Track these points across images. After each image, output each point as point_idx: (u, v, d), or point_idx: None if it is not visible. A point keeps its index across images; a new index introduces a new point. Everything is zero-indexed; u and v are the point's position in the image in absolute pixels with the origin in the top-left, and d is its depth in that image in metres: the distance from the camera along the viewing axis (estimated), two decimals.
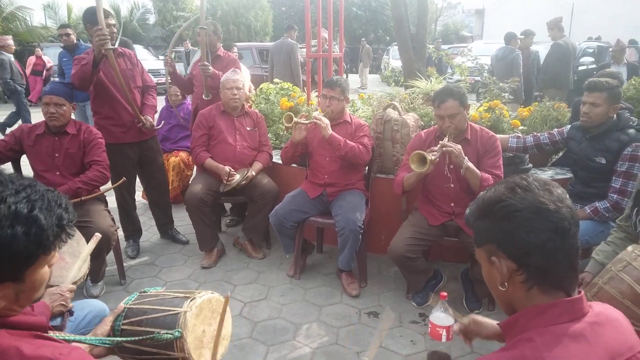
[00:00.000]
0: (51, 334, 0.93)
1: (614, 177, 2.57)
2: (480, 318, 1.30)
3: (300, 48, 7.61)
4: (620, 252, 1.83)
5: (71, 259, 1.87)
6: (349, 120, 3.20)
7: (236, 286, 3.09)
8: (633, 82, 3.98)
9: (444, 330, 1.83)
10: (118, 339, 1.34)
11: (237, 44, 12.59)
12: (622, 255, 1.76)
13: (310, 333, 2.59)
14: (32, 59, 11.24)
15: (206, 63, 3.69)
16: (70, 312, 1.62)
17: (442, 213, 2.74)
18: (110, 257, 3.02)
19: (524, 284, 0.88)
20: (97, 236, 1.69)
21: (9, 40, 8.34)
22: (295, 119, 3.01)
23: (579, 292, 0.89)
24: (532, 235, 0.85)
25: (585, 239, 2.58)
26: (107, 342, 1.32)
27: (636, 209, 2.06)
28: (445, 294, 1.93)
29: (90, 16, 3.08)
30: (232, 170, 3.27)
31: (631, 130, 2.61)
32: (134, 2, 18.61)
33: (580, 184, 2.80)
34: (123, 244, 3.51)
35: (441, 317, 1.86)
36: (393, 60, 18.10)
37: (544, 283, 0.87)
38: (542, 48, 8.13)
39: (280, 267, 3.35)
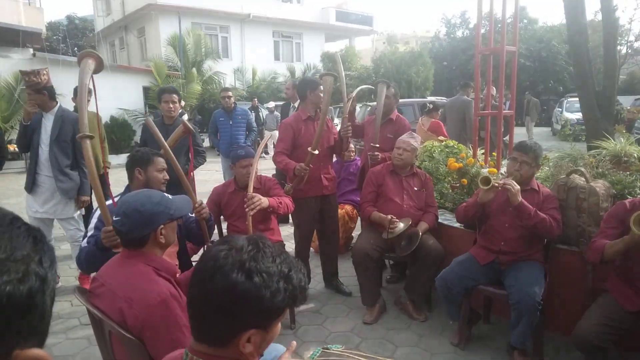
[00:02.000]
0: None
1: None
2: None
3: None
4: None
5: None
6: (537, 189, 3.02)
7: (397, 347, 3.07)
8: None
9: None
10: None
11: (400, 100, 13.02)
12: None
13: None
14: None
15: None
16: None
17: None
18: None
19: None
20: None
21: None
22: (493, 182, 2.87)
23: None
24: None
25: None
26: None
27: None
28: None
29: (311, 82, 3.69)
30: (394, 217, 3.33)
31: None
32: (306, 63, 20.64)
33: None
34: None
35: None
36: (567, 113, 16.64)
37: None
38: None
39: (443, 334, 3.23)
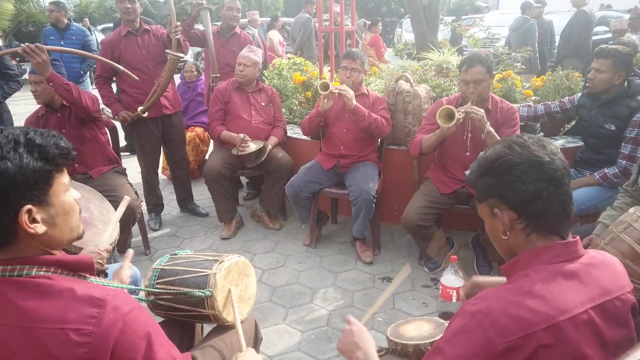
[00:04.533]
0: (92, 279, 1.04)
1: (623, 144, 2.61)
2: (480, 278, 1.38)
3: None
4: None
5: (103, 226, 2.00)
6: (367, 93, 3.25)
7: (255, 255, 3.23)
8: None
9: (454, 291, 1.94)
10: (154, 289, 1.47)
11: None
12: (623, 217, 1.82)
13: (327, 297, 2.73)
14: None
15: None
16: (105, 274, 1.75)
17: (454, 180, 2.81)
18: (135, 229, 3.16)
19: (523, 231, 0.97)
20: (127, 199, 1.77)
21: (256, 15, 7.75)
22: (331, 88, 2.99)
23: (574, 237, 0.97)
24: (530, 186, 0.94)
25: (594, 204, 2.64)
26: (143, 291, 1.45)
27: None
28: (455, 257, 2.03)
29: None
30: (246, 136, 3.36)
31: None
32: None
33: (590, 151, 2.85)
34: (146, 217, 3.66)
35: (451, 279, 1.97)
36: (406, 33, 17.81)
37: (542, 229, 0.96)
38: (557, 18, 7.98)
39: (297, 237, 3.47)
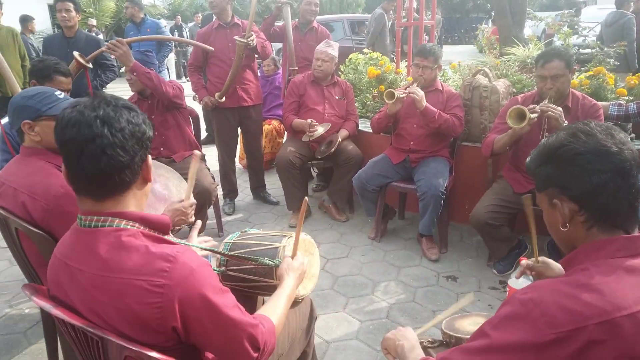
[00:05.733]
0: (168, 237, 1.15)
1: None
2: (549, 260, 1.34)
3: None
4: None
5: (179, 184, 2.17)
6: (441, 89, 3.19)
7: (320, 244, 3.29)
8: None
9: None
10: (228, 252, 1.56)
11: (329, 16, 12.65)
12: None
13: (388, 290, 2.72)
14: None
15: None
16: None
17: (529, 180, 2.67)
18: (210, 212, 3.36)
19: (584, 224, 0.92)
20: (197, 154, 1.79)
21: None
22: (396, 95, 2.97)
23: (639, 231, 0.91)
24: (595, 177, 0.89)
25: None
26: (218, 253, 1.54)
27: None
28: (525, 258, 1.94)
29: None
30: (313, 121, 3.43)
31: None
32: None
33: None
34: (220, 202, 3.87)
35: (520, 281, 1.87)
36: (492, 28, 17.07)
37: (605, 222, 0.91)
38: None
39: (362, 230, 3.49)
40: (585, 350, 0.79)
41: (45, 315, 1.92)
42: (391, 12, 7.52)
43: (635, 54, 5.71)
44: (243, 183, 4.39)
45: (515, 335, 0.83)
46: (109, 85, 4.27)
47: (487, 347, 0.87)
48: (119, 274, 0.97)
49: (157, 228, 1.08)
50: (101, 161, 0.96)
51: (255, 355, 1.09)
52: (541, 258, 1.35)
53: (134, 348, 0.96)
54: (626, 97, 3.30)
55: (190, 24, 12.85)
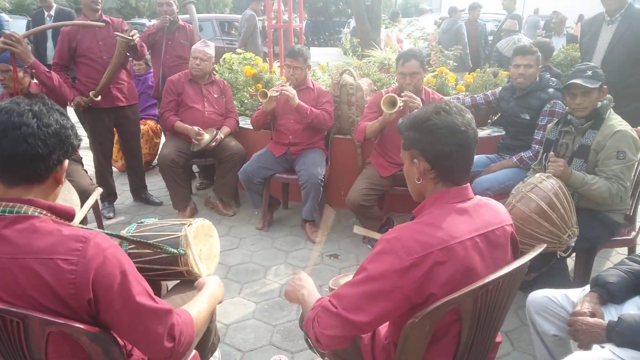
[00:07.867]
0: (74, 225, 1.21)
1: (536, 130, 3.00)
2: None
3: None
4: None
5: (70, 197, 2.13)
6: (312, 87, 3.49)
7: None
8: (562, 49, 4.45)
9: None
10: (128, 236, 1.60)
11: (198, 15, 12.42)
12: (530, 180, 2.21)
13: (279, 272, 2.95)
14: None
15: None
16: None
17: (393, 164, 3.11)
18: (90, 217, 3.24)
19: (433, 180, 1.24)
20: (99, 190, 1.88)
21: None
22: (269, 94, 3.21)
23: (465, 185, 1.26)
24: (446, 147, 1.20)
25: (511, 183, 3.01)
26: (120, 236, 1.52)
27: (545, 153, 2.50)
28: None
29: None
30: (200, 129, 3.52)
31: (550, 90, 3.03)
32: None
33: (509, 137, 3.24)
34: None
35: None
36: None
37: (446, 179, 1.24)
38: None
39: (250, 222, 3.67)
40: (433, 268, 1.10)
41: None
42: (260, 12, 7.74)
43: (469, 55, 6.75)
44: (120, 186, 4.25)
45: (385, 264, 1.11)
46: None
47: (366, 278, 1.14)
48: (33, 255, 1.02)
49: (64, 217, 1.15)
50: (20, 147, 1.03)
51: (170, 345, 1.13)
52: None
53: (58, 321, 1.02)
54: (464, 93, 3.98)
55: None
